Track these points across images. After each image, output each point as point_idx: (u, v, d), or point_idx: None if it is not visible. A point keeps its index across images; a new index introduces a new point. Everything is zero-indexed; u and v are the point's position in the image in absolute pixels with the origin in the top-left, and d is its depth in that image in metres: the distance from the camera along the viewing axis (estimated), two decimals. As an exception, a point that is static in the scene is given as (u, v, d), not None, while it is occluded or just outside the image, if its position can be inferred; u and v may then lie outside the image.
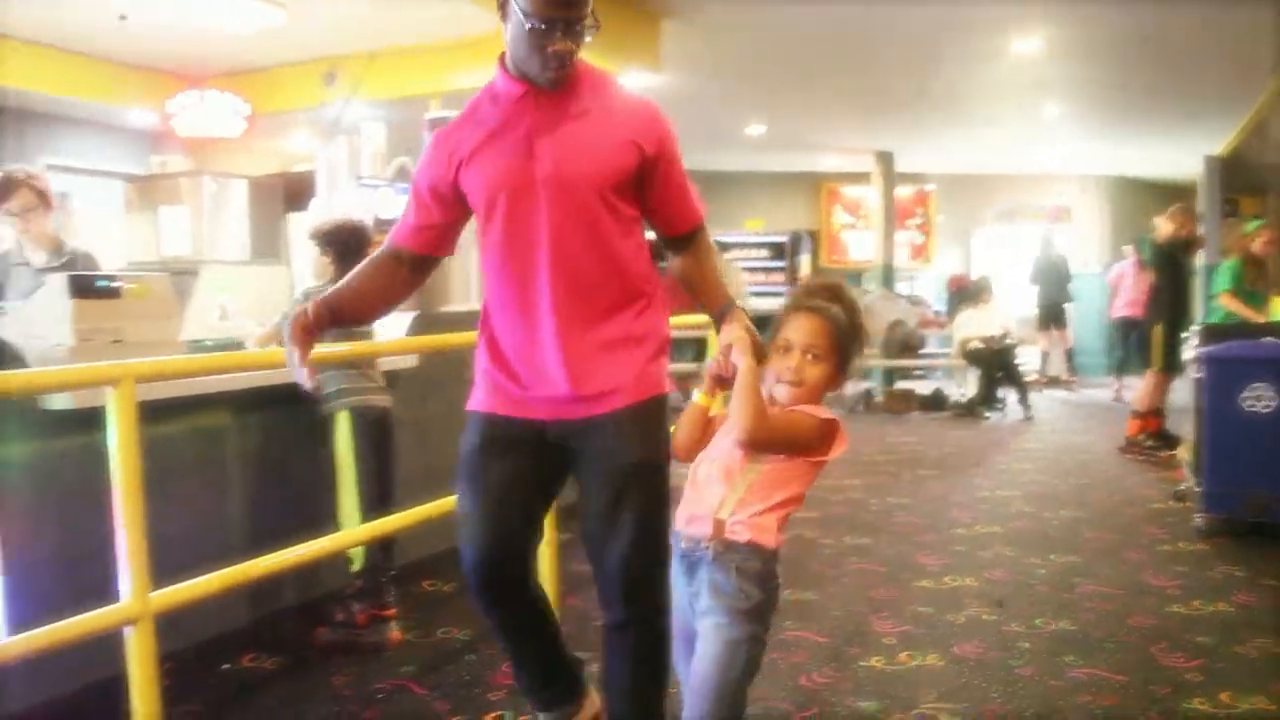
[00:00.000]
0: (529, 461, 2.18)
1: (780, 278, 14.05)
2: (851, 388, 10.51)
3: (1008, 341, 9.64)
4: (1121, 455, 7.15)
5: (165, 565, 2.23)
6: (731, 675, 1.86)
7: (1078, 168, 13.91)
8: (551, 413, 2.15)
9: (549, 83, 2.05)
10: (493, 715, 2.82)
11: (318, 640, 3.41)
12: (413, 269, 2.30)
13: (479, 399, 2.23)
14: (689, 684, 1.92)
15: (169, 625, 2.44)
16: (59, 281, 2.92)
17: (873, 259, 13.07)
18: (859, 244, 14.21)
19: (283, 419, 3.45)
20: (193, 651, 3.11)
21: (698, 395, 1.98)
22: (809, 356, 1.93)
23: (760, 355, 1.96)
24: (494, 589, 2.20)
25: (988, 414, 9.52)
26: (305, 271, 4.13)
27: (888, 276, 12.62)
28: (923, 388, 10.60)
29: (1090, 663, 3.19)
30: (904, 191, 13.73)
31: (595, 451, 2.15)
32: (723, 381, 1.93)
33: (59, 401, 2.59)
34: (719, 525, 1.90)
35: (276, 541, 2.63)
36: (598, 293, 2.12)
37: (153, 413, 2.86)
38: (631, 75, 7.80)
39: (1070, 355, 12.71)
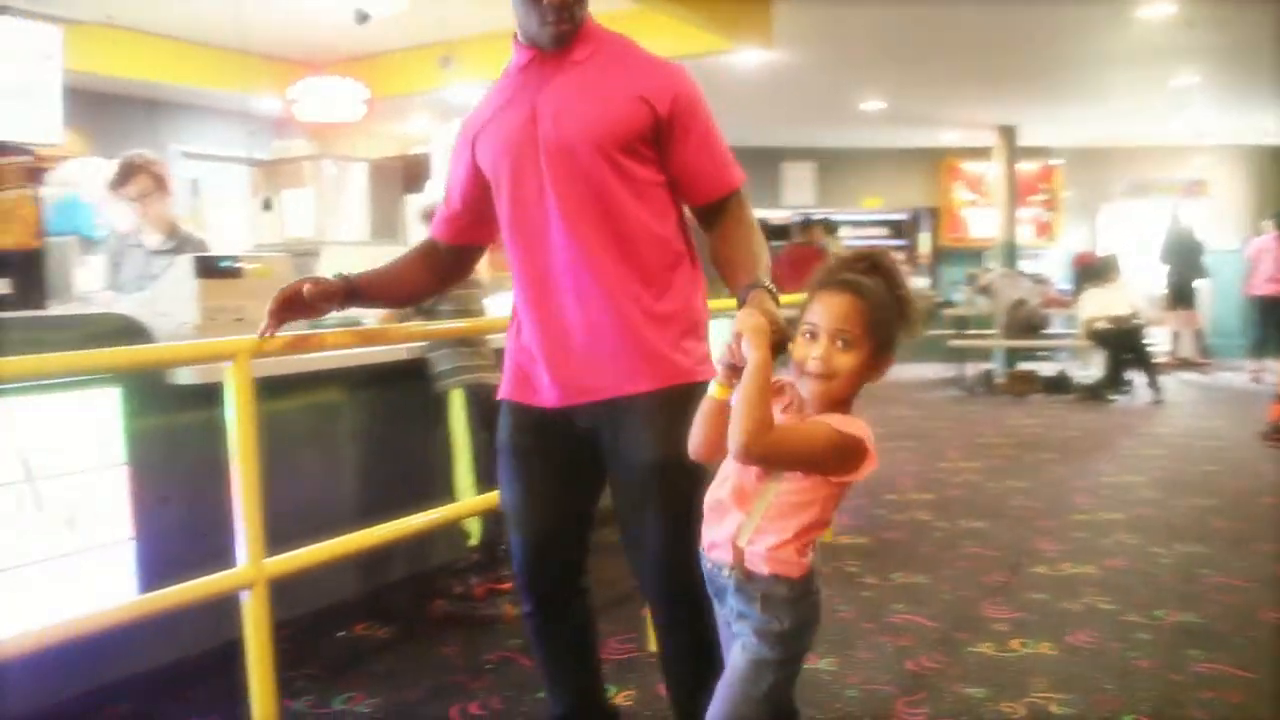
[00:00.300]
0: (560, 450, 2.07)
1: (900, 256, 13.82)
2: (971, 368, 10.27)
3: (1136, 321, 9.28)
4: (1261, 442, 6.80)
5: (282, 535, 2.31)
6: (754, 693, 1.70)
7: (1214, 138, 13.23)
8: (572, 398, 2.03)
9: (552, 39, 1.96)
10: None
11: (434, 612, 3.51)
12: (451, 259, 2.27)
13: (506, 387, 2.14)
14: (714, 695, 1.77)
15: (287, 594, 2.54)
16: (185, 263, 3.04)
17: (995, 236, 12.68)
18: (981, 221, 13.79)
19: (396, 396, 3.54)
20: (309, 619, 3.23)
21: (714, 387, 1.71)
22: (838, 343, 1.63)
23: (782, 344, 1.69)
24: (539, 585, 2.14)
25: (1114, 397, 9.18)
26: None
27: (1010, 254, 12.23)
28: (1046, 369, 10.27)
29: (1214, 657, 3.06)
30: (1028, 166, 13.28)
31: (615, 445, 2.02)
32: (739, 372, 1.64)
33: (184, 376, 2.71)
34: (738, 553, 1.68)
35: (389, 515, 2.70)
36: (612, 265, 1.97)
37: (272, 388, 2.97)
38: (744, 53, 7.74)
39: (1200, 336, 12.15)
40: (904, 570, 3.97)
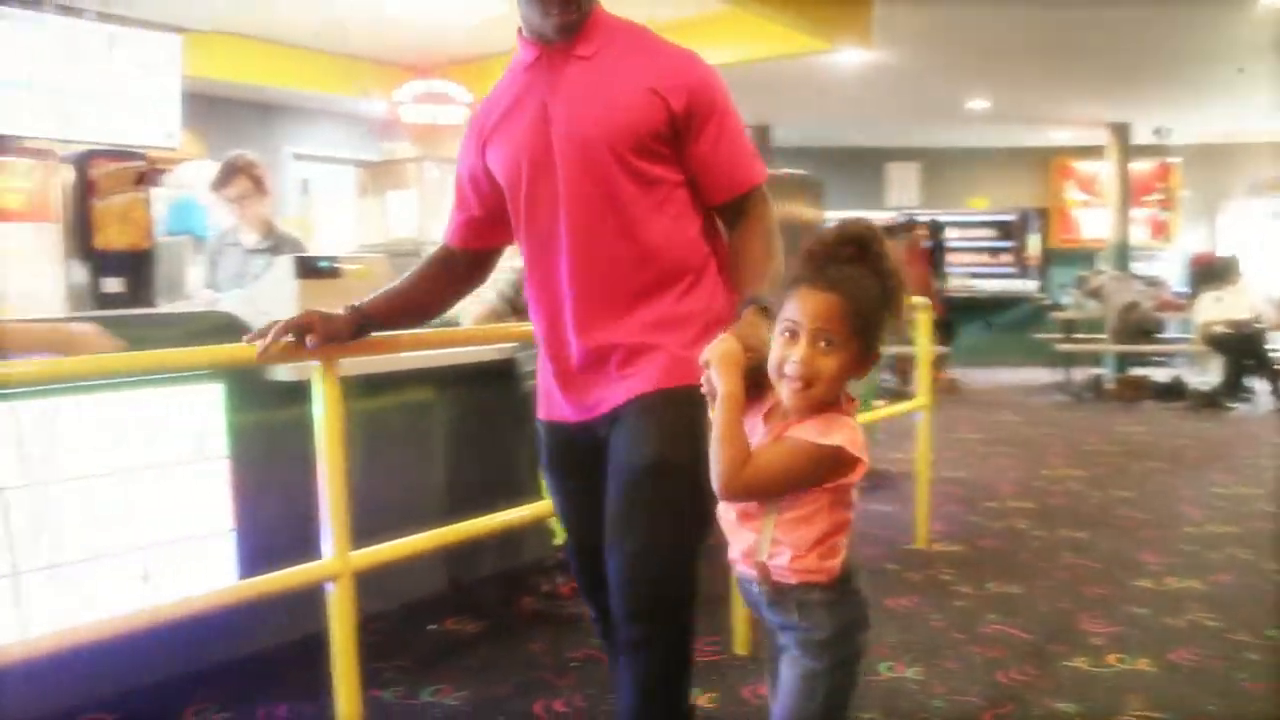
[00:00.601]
0: (588, 464, 1.94)
1: (1008, 259, 13.52)
2: (1080, 373, 9.97)
3: (1257, 325, 8.88)
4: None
5: (375, 529, 2.37)
6: (811, 707, 1.59)
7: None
8: (587, 413, 1.93)
9: (556, 29, 1.83)
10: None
11: (522, 608, 3.56)
12: (468, 264, 2.14)
13: (539, 405, 2.05)
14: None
15: (380, 587, 2.61)
16: (286, 263, 3.15)
17: (1107, 238, 12.27)
18: (1093, 222, 13.37)
19: (487, 395, 3.60)
20: (401, 612, 3.32)
21: (712, 412, 1.59)
22: (820, 344, 1.49)
23: (758, 368, 1.57)
24: (595, 594, 2.04)
25: (1233, 405, 8.80)
26: (513, 251, 4.27)
27: (1122, 256, 11.83)
28: (1159, 375, 9.90)
29: (1328, 679, 2.92)
30: (1144, 165, 12.83)
31: (611, 446, 1.88)
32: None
33: (282, 374, 2.80)
34: (763, 569, 1.58)
35: (477, 512, 2.74)
36: (625, 276, 1.85)
37: (367, 387, 3.05)
38: (843, 53, 7.66)
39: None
40: (999, 580, 3.88)
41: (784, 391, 1.53)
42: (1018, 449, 6.89)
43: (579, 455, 1.97)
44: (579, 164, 1.83)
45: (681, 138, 1.85)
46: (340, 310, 2.08)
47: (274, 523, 2.72)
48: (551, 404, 2.00)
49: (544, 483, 3.39)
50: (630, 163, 1.82)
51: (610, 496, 1.87)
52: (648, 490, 1.82)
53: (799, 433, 1.51)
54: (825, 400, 1.53)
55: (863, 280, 1.51)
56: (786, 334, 1.52)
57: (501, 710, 2.81)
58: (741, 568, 1.64)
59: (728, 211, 1.94)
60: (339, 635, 2.19)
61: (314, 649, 2.36)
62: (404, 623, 3.34)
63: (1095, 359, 10.20)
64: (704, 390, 1.58)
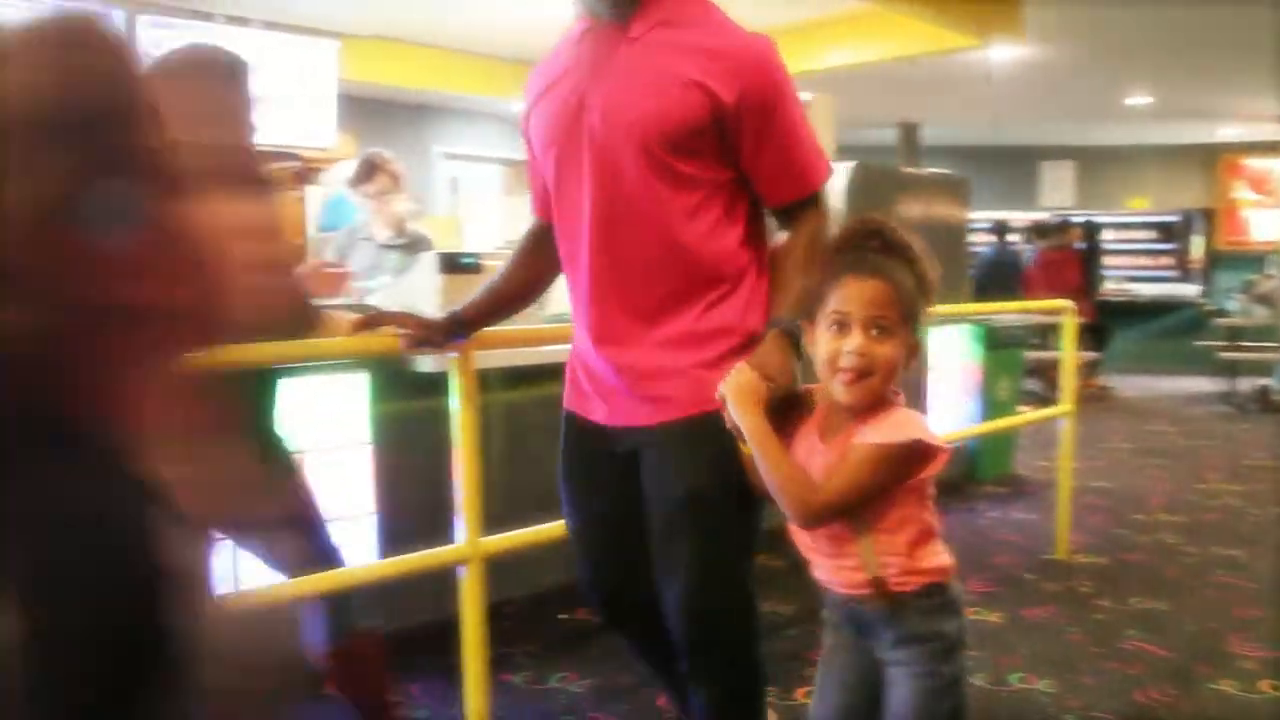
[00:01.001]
0: (613, 472, 1.85)
1: (1169, 261, 12.92)
2: (1245, 383, 9.45)
3: None
4: None
5: (509, 517, 2.43)
6: (940, 713, 1.54)
7: None
8: (607, 416, 1.83)
9: (610, 8, 1.70)
10: (805, 690, 2.85)
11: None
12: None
13: (565, 391, 1.95)
14: None
15: (515, 575, 2.67)
16: (429, 259, 3.28)
17: (1280, 240, 11.60)
18: (1264, 223, 12.64)
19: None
20: (534, 600, 3.40)
21: (745, 448, 1.56)
22: (874, 331, 1.45)
23: (789, 398, 1.57)
24: (610, 612, 2.03)
25: None
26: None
27: (1297, 260, 11.15)
28: (1335, 387, 9.30)
29: None
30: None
31: (646, 475, 1.78)
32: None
33: (425, 364, 2.91)
34: (880, 583, 1.51)
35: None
36: (647, 280, 1.72)
37: (507, 380, 3.15)
38: (994, 48, 7.46)
39: None
40: (1143, 595, 3.73)
41: (837, 387, 1.49)
42: (1171, 461, 6.58)
43: (599, 461, 1.87)
44: (608, 158, 1.69)
45: (729, 133, 1.68)
46: (442, 315, 2.10)
47: (412, 508, 2.83)
48: (579, 395, 1.89)
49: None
50: (664, 160, 1.66)
51: (653, 532, 1.79)
52: (687, 527, 1.74)
53: (866, 438, 1.47)
54: (881, 393, 1.49)
55: (898, 268, 1.50)
56: (835, 327, 1.48)
57: (625, 699, 2.86)
58: (841, 590, 1.58)
59: (779, 215, 1.81)
60: (469, 617, 2.27)
61: (449, 631, 2.46)
62: (536, 610, 3.42)
63: (1263, 368, 9.64)
64: (728, 425, 1.56)
